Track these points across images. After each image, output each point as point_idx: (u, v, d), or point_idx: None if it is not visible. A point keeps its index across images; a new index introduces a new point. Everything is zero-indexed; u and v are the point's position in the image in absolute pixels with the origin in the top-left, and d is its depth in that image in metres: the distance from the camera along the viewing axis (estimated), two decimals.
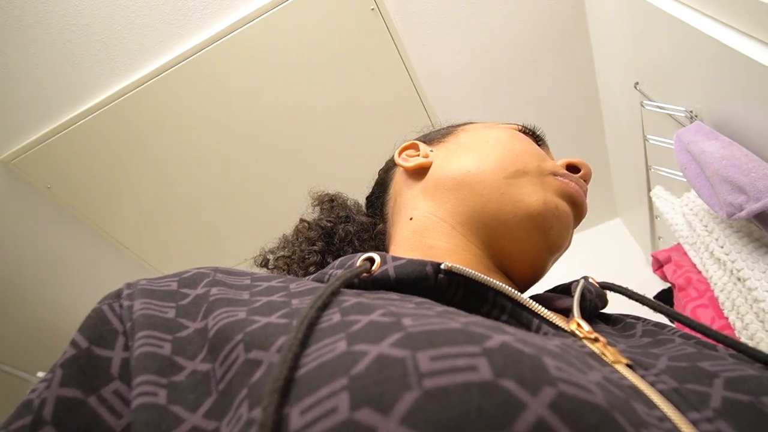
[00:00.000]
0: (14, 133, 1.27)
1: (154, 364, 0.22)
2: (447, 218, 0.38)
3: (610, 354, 0.24)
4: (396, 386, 0.16)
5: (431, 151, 0.43)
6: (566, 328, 0.27)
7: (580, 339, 0.26)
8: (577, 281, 0.35)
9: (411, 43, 1.28)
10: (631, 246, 1.65)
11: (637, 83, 1.03)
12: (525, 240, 0.36)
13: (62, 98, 1.24)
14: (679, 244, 0.94)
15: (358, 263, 0.30)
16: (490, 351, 0.17)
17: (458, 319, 0.21)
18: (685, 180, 0.81)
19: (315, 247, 0.44)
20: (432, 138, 0.46)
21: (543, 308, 0.28)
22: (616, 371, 0.22)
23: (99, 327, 0.24)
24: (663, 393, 0.21)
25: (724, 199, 0.67)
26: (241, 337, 0.22)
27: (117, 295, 0.27)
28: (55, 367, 0.23)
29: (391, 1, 1.20)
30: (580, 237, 1.77)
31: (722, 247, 0.76)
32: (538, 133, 0.45)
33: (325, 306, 0.23)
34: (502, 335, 0.19)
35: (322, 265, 0.44)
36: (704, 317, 0.81)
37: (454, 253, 0.36)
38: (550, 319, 0.27)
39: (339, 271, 0.31)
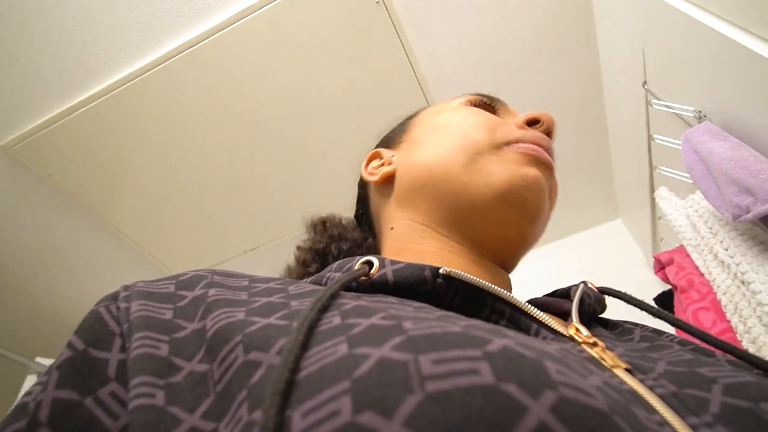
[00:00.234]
0: (16, 119, 1.27)
1: (152, 365, 0.22)
2: (426, 222, 0.38)
3: (608, 358, 0.24)
4: (398, 389, 0.16)
5: (393, 156, 0.43)
6: (565, 333, 0.27)
7: (579, 343, 0.26)
8: (576, 285, 0.35)
9: (414, 37, 1.28)
10: (631, 247, 1.65)
11: (644, 82, 1.02)
12: (505, 220, 0.36)
13: (65, 85, 1.24)
14: (681, 245, 0.93)
15: (356, 266, 0.30)
16: (491, 355, 0.17)
17: (458, 323, 0.21)
18: (689, 181, 0.80)
19: (310, 269, 0.45)
20: (390, 139, 0.46)
21: (541, 313, 0.28)
22: (616, 375, 0.22)
23: (96, 329, 0.24)
24: (662, 397, 0.21)
25: (730, 200, 0.66)
26: (240, 338, 0.22)
27: (114, 297, 0.27)
28: (51, 369, 0.22)
29: None
30: (580, 237, 1.77)
31: (726, 250, 0.75)
32: (485, 101, 0.44)
33: (324, 308, 0.23)
34: (503, 339, 0.19)
35: None
36: (705, 320, 0.81)
37: (440, 255, 0.36)
38: (549, 324, 0.27)
39: (337, 274, 0.31)
